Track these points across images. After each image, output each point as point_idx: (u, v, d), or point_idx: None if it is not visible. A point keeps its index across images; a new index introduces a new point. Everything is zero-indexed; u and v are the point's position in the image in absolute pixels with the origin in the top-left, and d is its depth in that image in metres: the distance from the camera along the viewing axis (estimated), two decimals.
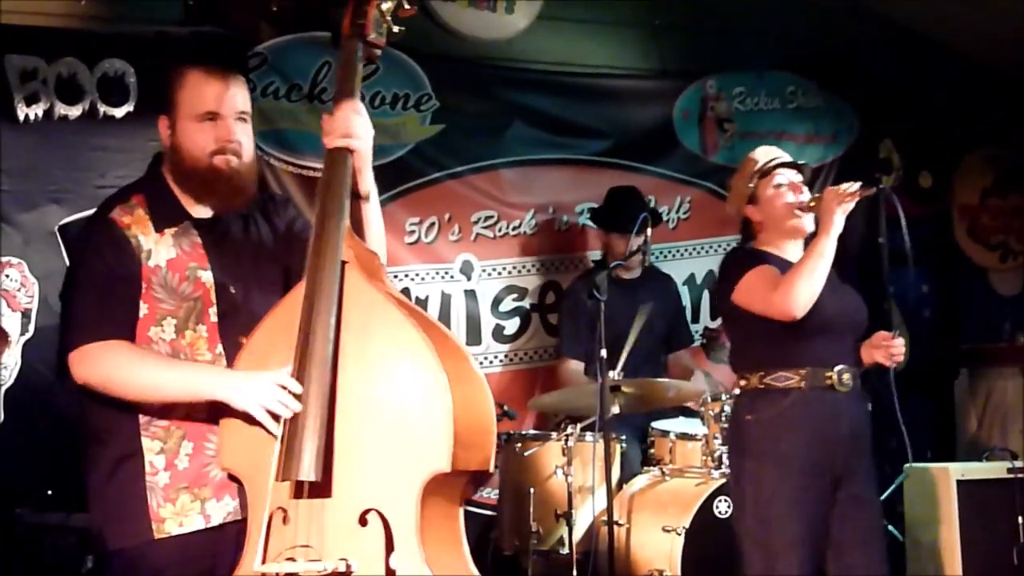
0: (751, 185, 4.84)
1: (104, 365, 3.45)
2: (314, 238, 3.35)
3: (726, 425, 5.91)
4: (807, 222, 4.73)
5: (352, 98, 3.48)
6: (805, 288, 4.50)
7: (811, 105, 8.25)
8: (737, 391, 4.93)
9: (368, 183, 3.54)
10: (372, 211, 3.59)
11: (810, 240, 4.68)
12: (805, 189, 4.79)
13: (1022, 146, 8.76)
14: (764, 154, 4.92)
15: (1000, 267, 8.85)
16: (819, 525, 4.59)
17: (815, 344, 4.60)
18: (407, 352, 3.20)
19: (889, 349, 4.72)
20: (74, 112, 6.06)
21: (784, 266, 4.68)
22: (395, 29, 3.57)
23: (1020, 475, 6.47)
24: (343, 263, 3.31)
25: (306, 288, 3.29)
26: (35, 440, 5.78)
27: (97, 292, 3.49)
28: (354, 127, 3.44)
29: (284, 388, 3.24)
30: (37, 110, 5.99)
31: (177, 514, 3.50)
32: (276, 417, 3.26)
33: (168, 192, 3.63)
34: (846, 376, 4.62)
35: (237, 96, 3.61)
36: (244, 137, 3.62)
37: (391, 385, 3.20)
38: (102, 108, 6.08)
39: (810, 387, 4.59)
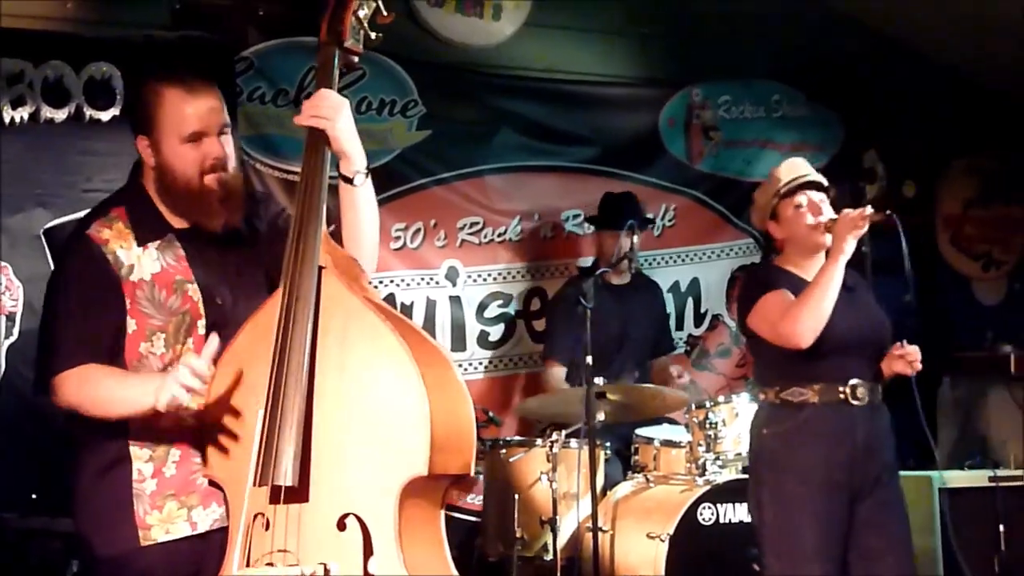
0: (773, 202, 4.86)
1: (73, 390, 3.44)
2: (291, 243, 3.32)
3: (710, 432, 5.95)
4: (828, 240, 4.74)
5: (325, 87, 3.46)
6: (809, 319, 4.58)
7: (796, 114, 8.27)
8: (757, 404, 5.00)
9: (353, 165, 3.47)
10: (363, 197, 3.53)
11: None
12: (826, 208, 4.80)
13: (1004, 156, 8.81)
14: (787, 171, 4.91)
15: (983, 276, 8.88)
16: (837, 536, 4.64)
17: (828, 361, 4.66)
18: (384, 357, 3.19)
19: (906, 358, 4.76)
20: (60, 115, 6.07)
21: (801, 286, 4.72)
22: (372, 35, 3.54)
23: (1001, 483, 6.51)
24: (320, 268, 3.31)
25: (283, 293, 3.28)
26: (19, 444, 5.76)
27: (74, 317, 3.47)
28: (321, 107, 3.41)
29: (190, 369, 3.22)
30: (23, 113, 5.99)
31: (164, 521, 3.49)
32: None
33: (150, 205, 3.59)
34: (860, 391, 4.68)
35: (218, 110, 3.57)
36: (229, 149, 3.59)
37: (368, 390, 3.20)
38: (88, 111, 6.09)
39: (823, 402, 4.66)
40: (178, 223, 3.60)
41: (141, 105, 3.58)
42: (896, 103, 8.29)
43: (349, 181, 3.48)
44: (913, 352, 4.76)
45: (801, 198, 4.80)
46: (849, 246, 4.59)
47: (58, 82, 6.07)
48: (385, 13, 3.56)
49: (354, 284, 3.35)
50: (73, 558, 4.97)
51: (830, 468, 4.63)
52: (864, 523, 4.66)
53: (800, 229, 4.79)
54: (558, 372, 6.78)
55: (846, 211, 4.65)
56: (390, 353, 3.18)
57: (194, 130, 3.51)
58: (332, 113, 3.42)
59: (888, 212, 4.67)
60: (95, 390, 3.43)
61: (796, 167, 4.93)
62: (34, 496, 5.44)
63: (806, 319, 4.57)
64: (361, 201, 3.53)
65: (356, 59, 3.57)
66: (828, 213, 4.78)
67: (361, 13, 3.51)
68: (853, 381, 4.67)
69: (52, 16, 6.23)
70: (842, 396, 4.66)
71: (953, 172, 8.85)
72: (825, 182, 4.91)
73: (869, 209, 4.60)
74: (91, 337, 3.46)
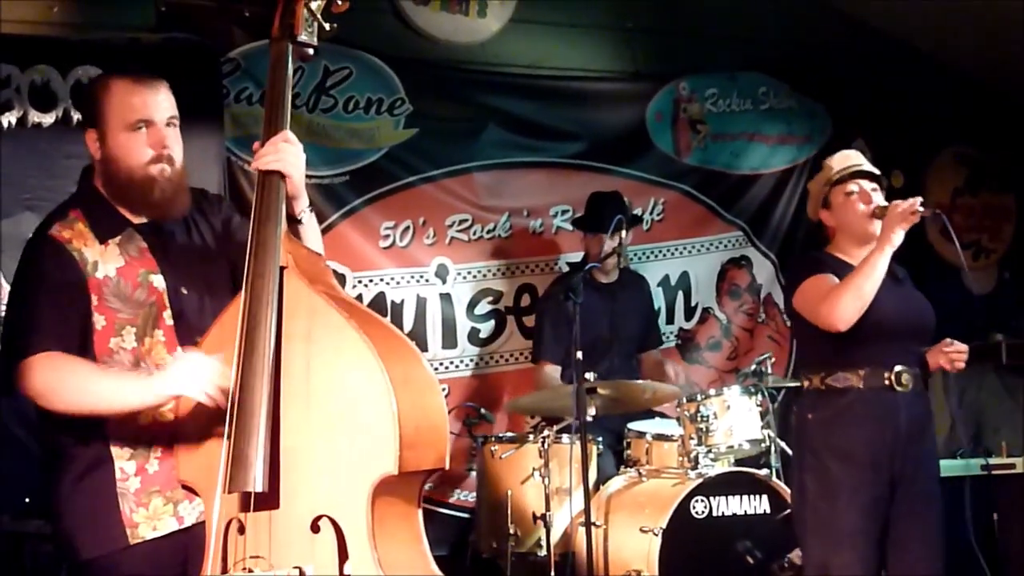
0: (825, 190, 4.94)
1: (40, 378, 3.40)
2: (251, 246, 3.29)
3: (701, 425, 5.95)
4: (878, 229, 4.79)
5: (282, 127, 3.41)
6: (850, 303, 4.63)
7: (783, 106, 8.29)
8: (798, 387, 5.02)
9: (303, 206, 3.48)
10: (309, 232, 3.54)
11: None
12: (877, 197, 4.87)
13: (992, 145, 8.83)
14: (840, 161, 5.00)
15: (973, 265, 8.89)
16: (878, 519, 4.69)
17: (873, 346, 4.71)
18: (349, 356, 3.16)
19: (950, 355, 4.83)
20: (48, 119, 6.06)
21: (848, 273, 4.77)
22: (327, 27, 3.48)
23: (994, 472, 6.52)
24: (282, 269, 3.26)
25: (245, 297, 3.24)
26: (11, 447, 5.74)
27: (39, 307, 3.46)
28: (285, 156, 3.37)
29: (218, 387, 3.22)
30: (11, 118, 5.99)
31: (150, 518, 3.50)
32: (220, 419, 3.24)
33: (105, 203, 3.60)
34: (905, 377, 4.73)
35: (165, 101, 3.58)
36: (175, 143, 3.59)
37: (335, 390, 3.17)
38: (75, 115, 6.06)
39: (868, 387, 4.71)
40: (136, 219, 3.60)
41: (90, 98, 3.61)
42: (883, 93, 8.31)
43: (297, 221, 3.48)
44: (960, 349, 4.85)
45: (853, 186, 4.89)
46: (897, 237, 4.65)
47: (45, 86, 6.07)
48: (340, 2, 3.50)
49: (317, 282, 3.31)
50: (65, 561, 4.96)
51: (873, 452, 4.69)
52: (901, 510, 4.70)
53: (851, 216, 4.87)
54: (551, 371, 6.77)
55: (897, 202, 4.70)
56: (355, 352, 3.15)
57: (140, 117, 3.52)
58: (298, 160, 3.40)
59: (936, 210, 4.76)
60: (65, 379, 3.39)
61: (849, 157, 5.03)
62: (27, 500, 5.42)
63: (846, 302, 4.62)
64: (310, 236, 3.54)
65: (312, 52, 3.50)
66: (879, 202, 4.85)
67: (313, 5, 3.46)
68: (898, 368, 4.71)
69: (38, 20, 6.23)
70: (887, 382, 4.71)
71: (941, 162, 8.86)
72: (877, 172, 4.97)
73: (918, 201, 4.65)
74: (58, 329, 3.43)
